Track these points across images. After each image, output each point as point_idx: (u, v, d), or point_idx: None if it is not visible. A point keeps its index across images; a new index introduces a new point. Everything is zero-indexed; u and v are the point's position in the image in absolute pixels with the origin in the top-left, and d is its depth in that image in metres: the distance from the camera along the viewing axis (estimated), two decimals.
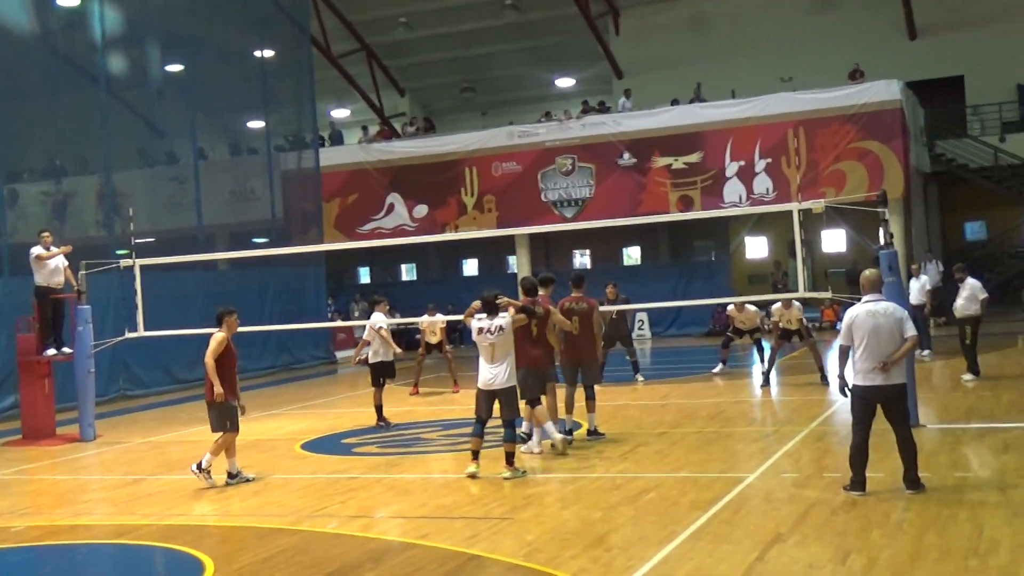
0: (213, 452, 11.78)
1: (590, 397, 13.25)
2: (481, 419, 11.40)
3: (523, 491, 10.52)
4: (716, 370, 19.80)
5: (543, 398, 12.58)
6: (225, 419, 11.71)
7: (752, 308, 19.42)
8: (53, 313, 16.68)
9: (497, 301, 11.45)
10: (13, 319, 17.60)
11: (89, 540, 9.89)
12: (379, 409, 15.81)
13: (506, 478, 11.05)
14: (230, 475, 11.76)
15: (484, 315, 11.39)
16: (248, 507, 10.77)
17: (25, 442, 16.36)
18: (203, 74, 27.96)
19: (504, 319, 11.35)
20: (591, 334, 13.25)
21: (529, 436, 12.73)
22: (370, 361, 16.19)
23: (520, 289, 12.83)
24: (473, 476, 11.18)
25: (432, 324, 19.72)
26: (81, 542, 9.83)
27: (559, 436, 12.37)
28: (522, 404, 12.09)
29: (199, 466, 11.71)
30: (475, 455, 11.34)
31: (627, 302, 19.97)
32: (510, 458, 11.23)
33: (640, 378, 19.45)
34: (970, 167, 31.29)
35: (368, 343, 16.46)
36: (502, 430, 11.29)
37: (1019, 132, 31.34)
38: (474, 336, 11.48)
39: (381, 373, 16.01)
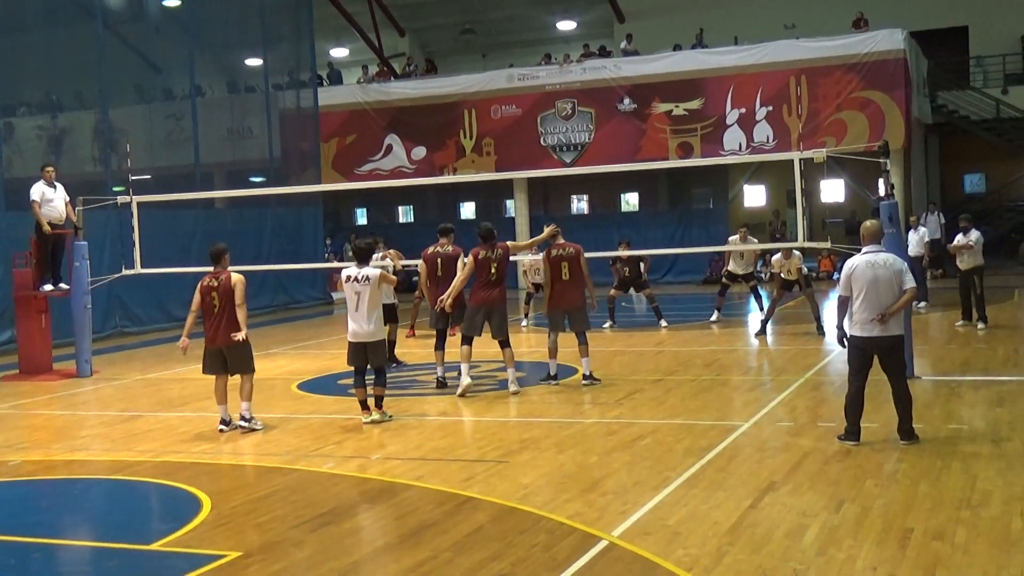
0: (249, 397, 11.40)
1: (582, 343, 13.33)
2: (358, 369, 11.53)
3: (519, 435, 10.57)
4: (713, 318, 19.84)
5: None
6: (252, 358, 11.53)
7: (754, 241, 19.86)
8: (53, 248, 16.63)
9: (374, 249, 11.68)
10: (10, 254, 17.55)
11: (86, 475, 9.94)
12: (392, 345, 15.83)
13: (374, 420, 11.36)
14: (244, 419, 11.40)
15: (354, 264, 11.53)
16: (245, 446, 10.82)
17: (22, 377, 16.40)
18: (201, 10, 27.68)
19: (373, 271, 11.43)
20: (579, 280, 13.43)
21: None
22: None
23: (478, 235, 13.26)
24: (373, 423, 11.38)
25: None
26: (78, 477, 9.89)
27: (468, 380, 12.86)
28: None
29: (245, 419, 11.31)
30: (364, 405, 11.51)
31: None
32: (379, 401, 11.52)
33: (664, 323, 19.48)
34: (971, 119, 31.14)
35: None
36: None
37: (1022, 84, 31.14)
38: (342, 284, 11.64)
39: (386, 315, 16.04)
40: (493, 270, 12.85)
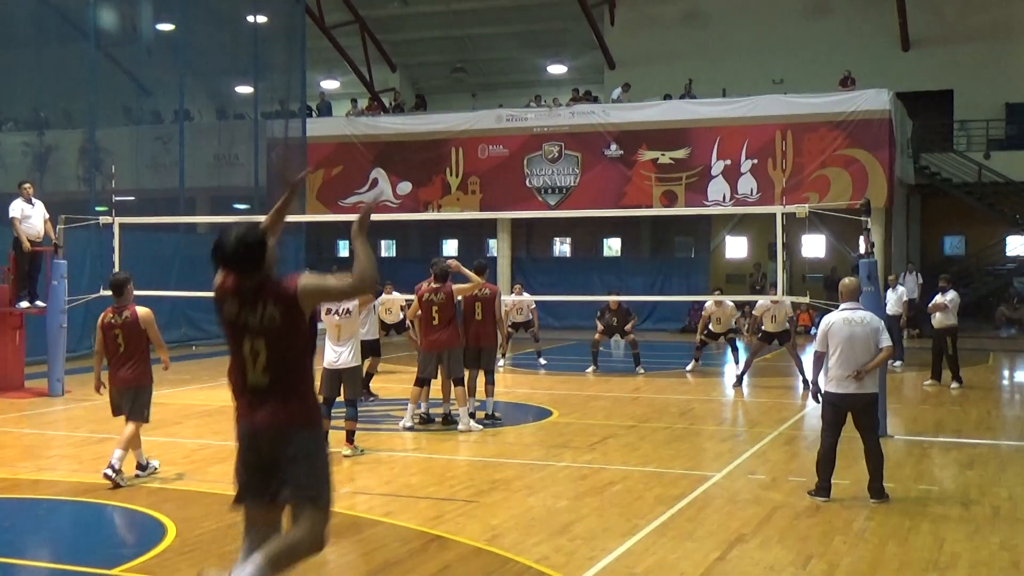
0: (133, 446, 10.32)
1: (490, 382, 13.72)
2: (327, 400, 11.48)
3: (490, 475, 10.52)
4: (689, 367, 19.86)
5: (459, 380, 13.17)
6: (150, 407, 10.57)
7: (730, 305, 19.49)
8: (29, 265, 16.55)
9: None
10: None
11: (51, 496, 9.83)
12: (368, 377, 15.73)
13: (346, 455, 11.31)
14: (141, 467, 10.51)
15: None
16: (215, 474, 10.71)
17: None
18: (194, 35, 27.75)
19: (351, 303, 11.44)
20: (492, 320, 13.82)
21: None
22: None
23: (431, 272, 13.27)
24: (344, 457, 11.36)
25: (388, 302, 19.06)
26: (42, 497, 9.77)
27: (409, 423, 13.14)
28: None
29: (114, 469, 9.85)
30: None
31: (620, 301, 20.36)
32: (350, 436, 11.51)
33: (641, 370, 19.52)
34: (953, 182, 31.41)
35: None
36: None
37: (1004, 150, 31.47)
38: (322, 316, 11.63)
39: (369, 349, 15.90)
40: (434, 312, 12.91)
